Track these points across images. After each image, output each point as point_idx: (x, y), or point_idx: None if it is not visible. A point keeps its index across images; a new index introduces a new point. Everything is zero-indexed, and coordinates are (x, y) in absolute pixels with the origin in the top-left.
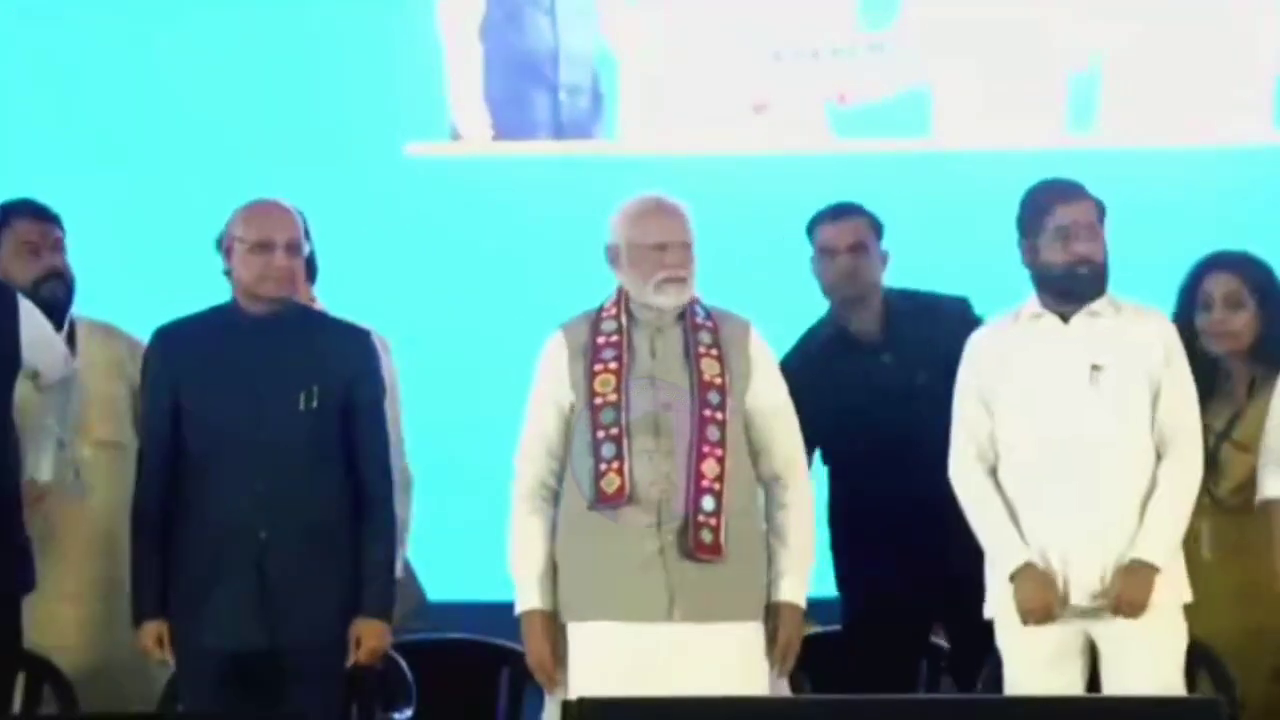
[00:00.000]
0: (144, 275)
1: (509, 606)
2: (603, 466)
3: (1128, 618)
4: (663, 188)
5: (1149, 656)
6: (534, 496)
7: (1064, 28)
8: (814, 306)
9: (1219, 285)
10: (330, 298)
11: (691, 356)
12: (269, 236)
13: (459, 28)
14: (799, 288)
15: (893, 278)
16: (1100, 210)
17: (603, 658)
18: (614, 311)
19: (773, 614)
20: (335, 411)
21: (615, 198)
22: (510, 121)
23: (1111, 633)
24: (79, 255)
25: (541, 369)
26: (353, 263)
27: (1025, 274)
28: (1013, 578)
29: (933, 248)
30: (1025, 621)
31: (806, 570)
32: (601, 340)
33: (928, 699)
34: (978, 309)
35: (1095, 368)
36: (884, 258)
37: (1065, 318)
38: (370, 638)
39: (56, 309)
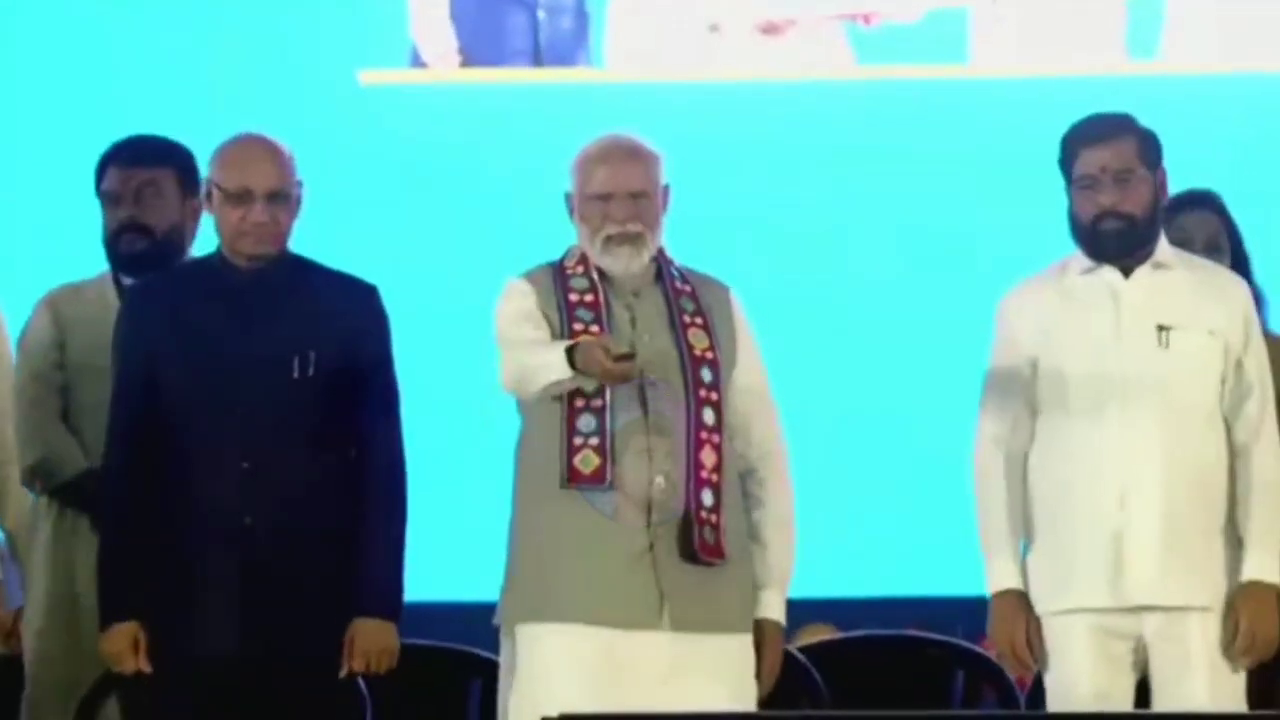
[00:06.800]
0: (89, 209)
1: (481, 608)
2: (578, 440)
3: (1258, 658)
4: (656, 121)
5: (1209, 661)
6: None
7: None
8: (825, 246)
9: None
10: None
11: (677, 326)
12: (246, 185)
13: None
14: (810, 227)
15: (913, 222)
16: (1145, 149)
17: (567, 666)
18: (580, 269)
19: (757, 631)
20: (335, 380)
21: (601, 133)
22: (481, 46)
23: (1170, 633)
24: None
25: (504, 310)
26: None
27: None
28: (993, 598)
29: (968, 188)
30: (998, 657)
31: (788, 581)
32: (574, 298)
33: (961, 715)
34: (1016, 261)
35: (1162, 328)
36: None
37: (1127, 271)
38: (368, 639)
39: None
